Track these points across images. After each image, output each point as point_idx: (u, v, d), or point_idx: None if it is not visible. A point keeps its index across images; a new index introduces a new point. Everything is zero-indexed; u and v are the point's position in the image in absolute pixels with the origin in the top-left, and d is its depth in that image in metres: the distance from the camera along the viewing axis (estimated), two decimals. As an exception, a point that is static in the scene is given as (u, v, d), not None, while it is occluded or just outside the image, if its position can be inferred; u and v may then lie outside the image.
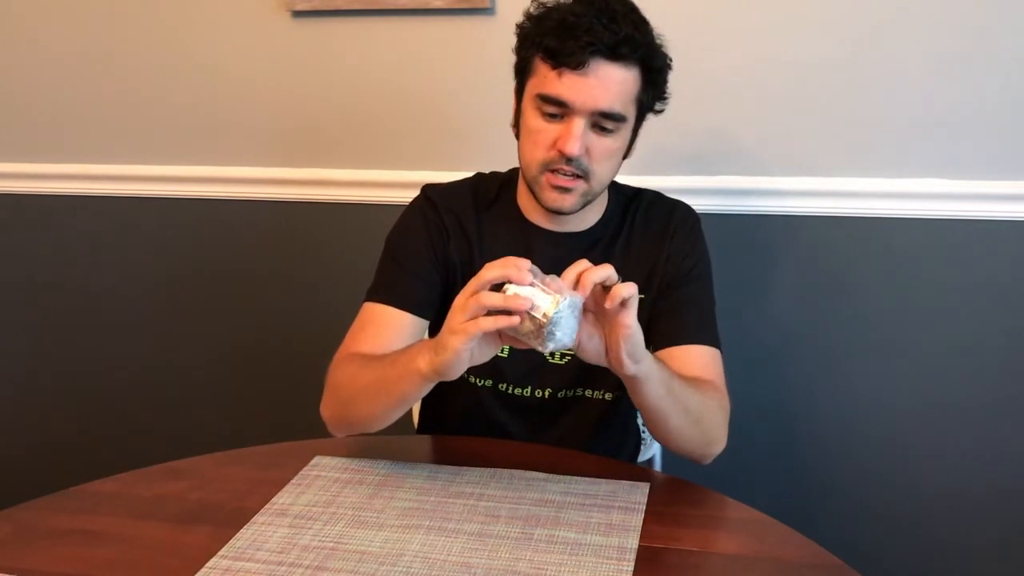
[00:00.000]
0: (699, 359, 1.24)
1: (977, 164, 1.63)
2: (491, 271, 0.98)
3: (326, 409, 1.24)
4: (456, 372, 1.02)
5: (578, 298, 0.97)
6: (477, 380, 1.30)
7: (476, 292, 0.97)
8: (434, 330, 1.27)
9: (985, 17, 1.56)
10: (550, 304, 0.95)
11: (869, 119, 1.65)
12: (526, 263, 0.98)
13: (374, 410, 1.17)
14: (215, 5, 1.84)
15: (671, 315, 1.28)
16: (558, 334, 0.96)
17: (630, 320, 1.00)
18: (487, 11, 1.71)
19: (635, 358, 1.03)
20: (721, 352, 1.28)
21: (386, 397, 1.14)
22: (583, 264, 1.00)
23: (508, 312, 0.96)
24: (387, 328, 1.25)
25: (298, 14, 1.80)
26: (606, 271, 0.98)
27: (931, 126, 1.63)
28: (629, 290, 0.98)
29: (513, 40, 1.23)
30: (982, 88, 1.60)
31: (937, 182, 1.65)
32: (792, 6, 1.62)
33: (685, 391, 1.13)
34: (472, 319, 0.97)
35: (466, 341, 0.98)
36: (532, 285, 0.97)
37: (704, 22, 1.66)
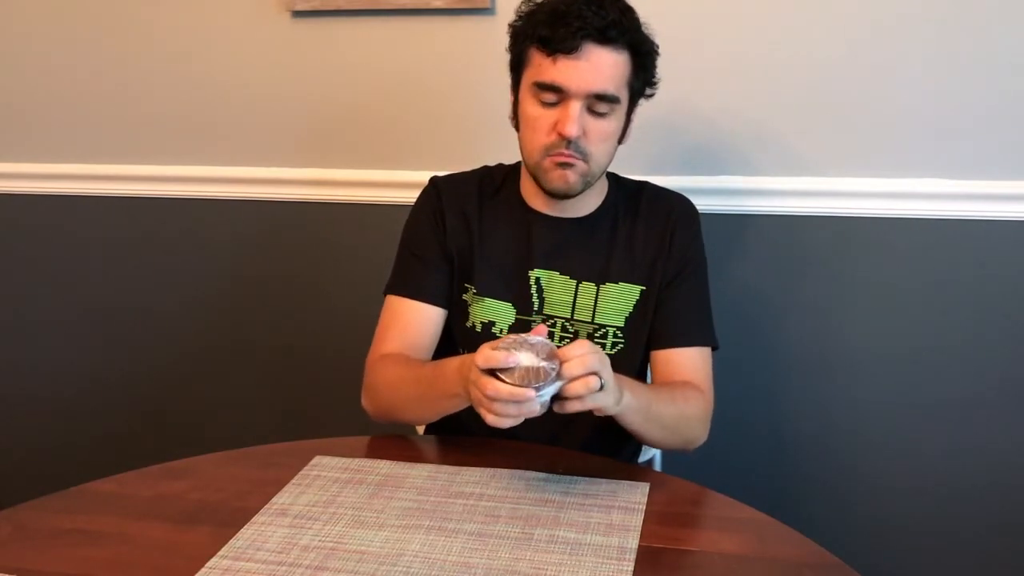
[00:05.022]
0: (690, 362, 1.32)
1: (977, 164, 1.63)
2: (498, 355, 1.04)
3: (368, 406, 1.34)
4: None
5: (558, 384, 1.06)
6: None
7: (483, 380, 1.04)
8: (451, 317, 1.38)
9: (985, 17, 1.56)
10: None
11: (869, 119, 1.65)
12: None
13: (421, 418, 1.35)
14: (215, 5, 1.84)
15: (668, 315, 1.33)
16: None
17: (597, 406, 1.08)
18: (487, 11, 1.72)
19: (606, 410, 1.11)
20: (715, 346, 1.35)
21: (431, 411, 1.29)
22: (576, 356, 1.06)
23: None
24: (412, 326, 1.34)
25: (298, 14, 1.80)
26: (587, 361, 1.05)
27: (931, 126, 1.63)
28: (583, 402, 1.07)
29: None
30: (982, 88, 1.60)
31: (937, 182, 1.65)
32: (793, 6, 1.62)
33: (663, 410, 1.23)
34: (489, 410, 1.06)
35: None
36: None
37: (705, 23, 1.66)
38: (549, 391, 1.04)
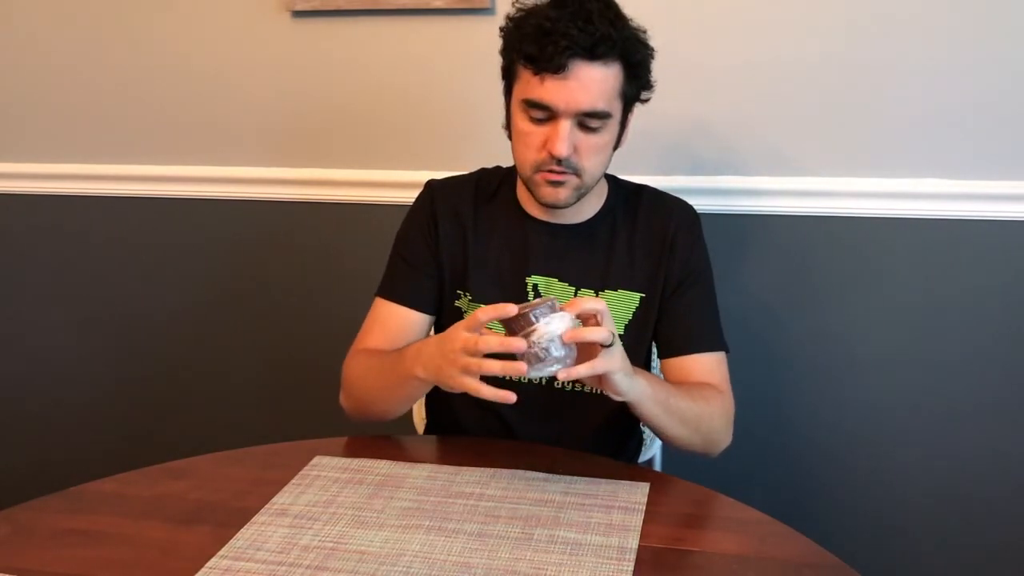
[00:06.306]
0: (704, 367, 1.30)
1: (977, 164, 1.63)
2: (485, 314, 1.04)
3: (344, 402, 1.34)
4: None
5: (565, 318, 1.03)
6: None
7: (473, 337, 1.04)
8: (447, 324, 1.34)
9: (984, 16, 1.56)
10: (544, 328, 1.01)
11: (869, 119, 1.65)
12: (514, 308, 1.04)
13: (388, 408, 1.30)
14: (215, 5, 1.84)
15: (677, 322, 1.32)
16: (552, 353, 1.02)
17: (607, 367, 1.05)
18: (487, 11, 1.72)
19: (621, 392, 1.10)
20: (727, 351, 1.33)
21: (394, 397, 1.27)
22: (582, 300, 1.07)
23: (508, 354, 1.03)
24: (392, 330, 1.33)
25: (298, 14, 1.80)
26: (597, 305, 1.05)
27: (930, 126, 1.63)
28: (593, 364, 1.04)
29: None
30: (982, 88, 1.60)
31: (936, 182, 1.65)
32: (792, 7, 1.62)
33: (681, 404, 1.20)
34: (472, 374, 1.06)
35: (467, 390, 1.07)
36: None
37: (704, 24, 1.66)
38: (555, 322, 1.01)
